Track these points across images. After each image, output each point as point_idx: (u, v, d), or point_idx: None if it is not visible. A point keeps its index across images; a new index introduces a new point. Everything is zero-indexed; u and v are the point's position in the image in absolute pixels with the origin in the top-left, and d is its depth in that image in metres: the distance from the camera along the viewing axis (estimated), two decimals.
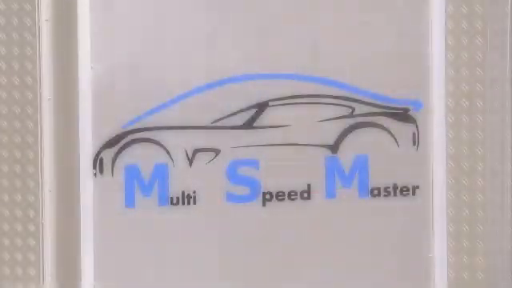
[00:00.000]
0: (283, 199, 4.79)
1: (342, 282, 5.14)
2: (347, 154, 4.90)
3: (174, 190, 4.78)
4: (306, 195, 4.80)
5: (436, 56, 5.27)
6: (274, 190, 4.77)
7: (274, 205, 4.82)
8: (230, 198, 4.74)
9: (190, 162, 4.80)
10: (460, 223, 5.48)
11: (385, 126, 5.00)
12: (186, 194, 4.77)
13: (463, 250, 5.51)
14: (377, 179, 4.88)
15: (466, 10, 5.52)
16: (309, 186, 4.84)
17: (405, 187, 4.99)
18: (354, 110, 5.05)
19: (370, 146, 4.96)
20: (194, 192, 4.78)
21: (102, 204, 4.67)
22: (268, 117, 4.86)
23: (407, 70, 5.12)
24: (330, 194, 4.81)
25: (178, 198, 4.73)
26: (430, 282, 5.23)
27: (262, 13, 5.37)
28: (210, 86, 4.82)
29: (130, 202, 4.71)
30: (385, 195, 4.91)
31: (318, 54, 5.16)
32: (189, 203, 4.80)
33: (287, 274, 5.01)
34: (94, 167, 4.68)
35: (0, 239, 6.01)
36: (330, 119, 4.98)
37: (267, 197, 4.76)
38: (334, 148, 4.98)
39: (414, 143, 4.97)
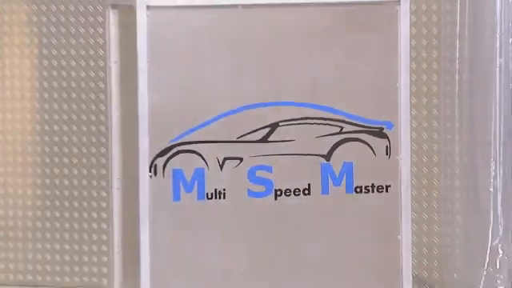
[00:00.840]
0: (290, 194, 5.05)
1: (333, 254, 5.31)
2: (337, 161, 5.16)
3: (209, 187, 5.06)
4: (306, 191, 5.04)
5: (403, 89, 5.46)
6: (283, 188, 5.05)
7: (282, 198, 5.06)
8: (251, 193, 5.03)
9: (221, 167, 5.09)
10: (421, 212, 6.52)
11: (365, 140, 5.37)
12: (217, 191, 5.07)
13: (423, 232, 6.54)
14: (359, 180, 5.10)
15: (425, 55, 6.56)
16: (309, 184, 5.06)
17: (380, 186, 5.13)
18: (342, 128, 5.37)
19: (355, 155, 5.26)
20: (224, 189, 5.08)
21: (155, 198, 4.99)
22: (278, 134, 5.08)
23: (382, 99, 5.39)
24: (325, 190, 5.06)
25: (211, 194, 5.04)
26: (399, 255, 5.36)
27: (273, 56, 5.78)
28: (235, 111, 5.11)
29: (176, 197, 5.02)
30: (365, 192, 5.13)
31: (316, 87, 5.77)
32: (219, 198, 5.05)
33: (292, 248, 5.26)
34: (150, 171, 4.94)
35: (82, 222, 7.39)
36: (325, 135, 5.34)
37: (278, 193, 5.03)
38: (327, 157, 5.35)
39: (386, 153, 5.23)
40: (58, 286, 7.46)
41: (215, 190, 4.87)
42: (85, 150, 7.39)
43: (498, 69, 6.09)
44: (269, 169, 4.89)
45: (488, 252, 6.06)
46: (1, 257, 7.66)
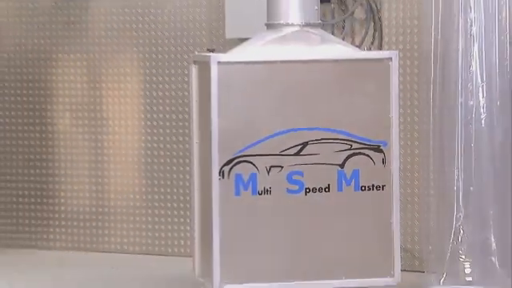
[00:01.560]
0: (315, 191, 5.84)
1: (346, 232, 6.20)
2: (348, 169, 5.92)
3: (260, 186, 5.84)
4: (327, 189, 5.84)
5: (394, 118, 5.67)
6: (310, 187, 5.84)
7: (310, 194, 5.87)
8: (288, 191, 5.83)
9: (268, 172, 5.84)
10: (406, 204, 7.24)
11: (368, 154, 5.94)
12: (265, 189, 5.83)
13: (407, 218, 7.25)
14: (363, 181, 5.92)
15: (409, 95, 7.39)
16: (328, 184, 5.85)
17: (378, 185, 5.93)
18: (351, 146, 5.84)
19: (360, 164, 5.94)
20: (270, 188, 5.83)
21: (223, 194, 5.83)
22: (308, 149, 5.86)
23: (379, 126, 5.93)
24: (340, 189, 5.87)
25: (261, 191, 5.84)
26: (391, 233, 6.04)
27: (305, 96, 5.94)
28: (278, 134, 5.86)
29: (237, 193, 5.82)
30: (368, 190, 5.93)
31: (334, 117, 6.02)
32: (267, 194, 5.83)
33: (317, 227, 6.10)
34: (219, 175, 5.78)
35: (174, 209, 8.33)
36: (340, 151, 5.91)
37: (307, 190, 5.83)
38: (341, 165, 5.93)
39: (383, 163, 5.88)
40: (160, 253, 8.36)
41: (264, 188, 5.70)
42: (175, 160, 8.41)
43: (459, 105, 6.57)
44: (301, 174, 5.73)
45: (453, 231, 6.49)
46: (120, 232, 8.64)
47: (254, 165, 5.72)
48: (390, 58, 5.90)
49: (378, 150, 5.84)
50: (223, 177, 5.68)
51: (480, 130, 6.55)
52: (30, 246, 8.94)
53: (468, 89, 6.51)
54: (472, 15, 6.56)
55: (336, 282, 5.92)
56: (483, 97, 6.56)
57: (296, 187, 5.76)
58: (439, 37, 6.67)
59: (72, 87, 9.01)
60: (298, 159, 5.77)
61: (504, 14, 6.59)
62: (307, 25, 5.99)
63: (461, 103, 6.47)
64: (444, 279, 6.34)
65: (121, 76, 8.80)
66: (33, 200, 9.18)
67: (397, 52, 6.15)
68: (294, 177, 5.77)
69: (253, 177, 5.73)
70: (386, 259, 5.98)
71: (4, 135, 9.09)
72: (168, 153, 8.48)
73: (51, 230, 9.11)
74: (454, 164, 6.46)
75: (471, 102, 6.58)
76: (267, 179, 5.73)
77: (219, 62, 5.69)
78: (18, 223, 9.21)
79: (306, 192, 5.76)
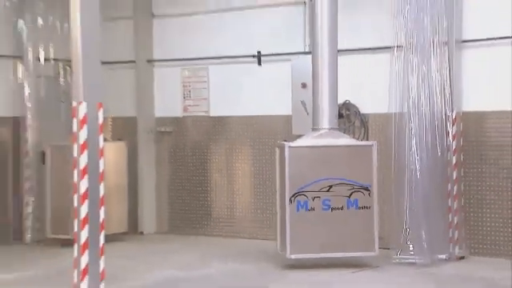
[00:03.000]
0: (336, 209, 7.31)
1: (351, 226, 7.41)
2: (353, 198, 7.31)
3: (309, 207, 7.30)
4: (341, 208, 7.33)
5: (374, 173, 7.46)
6: (334, 207, 7.30)
7: (334, 211, 7.31)
8: (323, 209, 7.27)
9: (313, 200, 7.28)
10: (381, 197, 7.63)
11: (361, 191, 7.39)
12: (312, 208, 7.31)
13: (381, 220, 7.67)
14: (360, 204, 7.32)
15: (385, 160, 7.74)
16: (342, 206, 7.33)
17: (367, 206, 7.36)
18: (353, 187, 7.40)
19: (358, 196, 7.29)
20: (314, 208, 7.29)
21: (291, 211, 7.22)
22: (333, 188, 7.32)
23: (367, 176, 7.40)
24: (348, 207, 7.35)
25: (310, 209, 7.29)
26: (373, 230, 7.44)
27: (329, 162, 7.36)
28: (316, 181, 7.33)
29: (297, 210, 7.27)
30: (361, 208, 7.33)
31: (344, 173, 7.39)
32: (313, 210, 7.30)
33: (338, 224, 7.37)
34: (289, 202, 7.20)
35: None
36: (348, 189, 7.38)
37: (332, 209, 7.28)
38: (349, 196, 7.35)
39: (369, 195, 7.33)
40: (264, 238, 9.00)
41: (311, 207, 7.35)
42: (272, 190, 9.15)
43: (406, 166, 7.73)
44: (329, 200, 7.38)
45: (403, 228, 7.64)
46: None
47: (306, 196, 7.36)
48: (372, 145, 7.62)
49: (366, 189, 7.46)
50: (291, 202, 7.34)
51: (416, 176, 7.66)
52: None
53: (410, 156, 7.72)
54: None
55: (348, 254, 7.48)
56: (418, 162, 7.68)
57: (327, 207, 7.41)
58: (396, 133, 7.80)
59: None
60: (328, 193, 7.40)
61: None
62: (332, 128, 7.65)
63: (406, 164, 7.73)
64: (399, 253, 7.65)
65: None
66: None
67: (375, 142, 7.71)
68: (326, 202, 7.40)
69: (305, 202, 7.37)
70: (370, 242, 7.49)
71: None
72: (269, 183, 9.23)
73: None
74: (404, 193, 7.68)
75: (412, 166, 7.73)
76: (312, 203, 7.37)
77: (290, 147, 7.42)
78: None
79: (331, 210, 7.41)
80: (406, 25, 7.76)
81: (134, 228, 9.95)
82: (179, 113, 10.06)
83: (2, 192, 9.55)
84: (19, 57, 9.54)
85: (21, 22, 9.53)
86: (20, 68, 9.51)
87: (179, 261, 8.14)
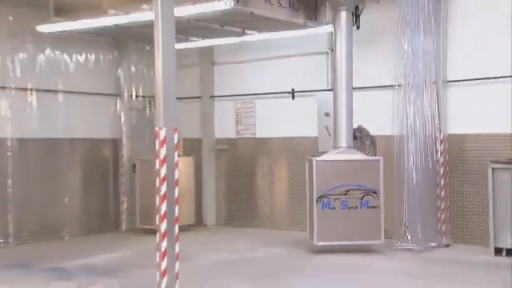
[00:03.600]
0: (351, 209, 7.27)
1: (364, 219, 7.30)
2: (364, 200, 7.28)
3: (331, 206, 7.24)
4: (356, 208, 7.30)
5: (381, 180, 7.37)
6: (350, 206, 7.27)
7: (350, 209, 7.29)
8: (342, 208, 7.27)
9: (334, 201, 7.26)
10: (386, 199, 7.50)
11: (371, 194, 7.38)
12: (333, 207, 7.29)
13: (388, 207, 7.56)
14: (370, 204, 7.31)
15: (390, 173, 7.58)
16: (356, 206, 7.31)
17: (375, 206, 7.34)
18: (366, 191, 7.34)
19: (369, 198, 7.27)
20: (334, 207, 7.25)
21: (317, 209, 7.23)
22: (349, 192, 7.30)
23: (375, 182, 7.36)
24: (361, 207, 7.33)
25: (331, 208, 7.23)
26: (380, 224, 7.39)
27: (349, 175, 7.31)
28: (337, 187, 7.26)
29: (323, 208, 7.26)
30: (372, 208, 7.33)
31: (358, 181, 7.31)
32: (334, 209, 7.28)
33: (351, 218, 7.31)
34: (316, 201, 7.22)
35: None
36: (361, 193, 7.35)
37: (349, 208, 7.24)
38: (361, 199, 7.31)
39: (377, 198, 7.33)
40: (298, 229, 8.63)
41: (332, 206, 7.34)
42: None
43: (405, 176, 7.59)
44: (346, 202, 7.38)
45: (403, 221, 7.61)
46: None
47: (328, 198, 7.40)
48: (379, 159, 7.64)
49: (375, 192, 7.47)
50: (317, 202, 7.39)
51: (413, 183, 7.60)
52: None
53: (408, 168, 7.63)
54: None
55: (360, 242, 7.43)
56: (414, 172, 7.60)
57: (344, 206, 7.42)
58: (397, 150, 7.73)
59: None
60: (345, 196, 7.43)
61: None
62: (348, 147, 7.69)
63: (405, 174, 7.64)
64: (400, 241, 7.61)
65: None
66: None
67: (382, 157, 7.70)
68: (344, 203, 7.42)
69: (328, 202, 7.40)
70: (377, 233, 7.48)
71: None
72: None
73: None
74: (403, 196, 7.61)
75: (409, 176, 7.62)
76: (333, 203, 7.40)
77: (316, 160, 7.46)
78: None
79: (348, 208, 7.42)
80: (404, 69, 7.83)
81: (199, 221, 10.06)
82: (233, 135, 10.20)
83: (104, 193, 9.79)
84: (118, 95, 9.92)
85: (119, 70, 9.93)
86: (118, 103, 9.88)
87: (233, 246, 8.24)
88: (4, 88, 8.45)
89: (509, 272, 6.24)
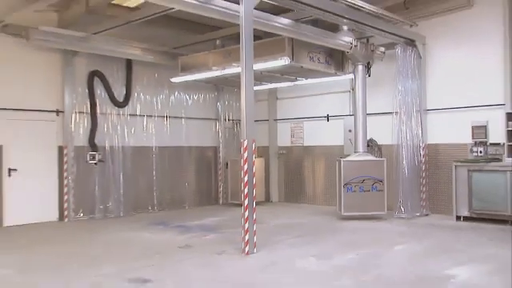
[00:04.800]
0: (366, 191, 7.03)
1: (371, 201, 7.05)
2: (374, 186, 7.07)
3: (352, 190, 7.03)
4: (368, 191, 7.10)
5: (384, 172, 7.14)
6: (365, 189, 7.07)
7: (365, 192, 7.07)
8: (359, 191, 7.11)
9: (354, 186, 6.99)
10: (388, 185, 7.33)
11: (379, 181, 7.17)
12: (353, 190, 7.08)
13: (389, 190, 7.31)
14: (378, 188, 7.13)
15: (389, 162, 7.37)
16: (369, 189, 7.08)
17: (381, 190, 7.20)
18: (375, 179, 6.97)
19: (377, 184, 7.03)
20: (354, 190, 7.00)
21: (344, 192, 7.05)
22: (364, 181, 7.15)
23: (381, 173, 7.03)
24: (372, 191, 7.13)
25: (353, 191, 7.04)
26: (384, 201, 7.19)
27: (362, 170, 7.05)
28: (356, 177, 7.08)
29: (347, 192, 7.02)
30: (378, 191, 7.19)
31: (369, 173, 7.13)
32: (354, 192, 7.11)
33: (362, 198, 7.09)
34: (343, 187, 6.97)
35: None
36: (372, 181, 7.08)
37: (364, 191, 7.04)
38: (372, 185, 7.04)
39: (382, 184, 7.16)
40: (327, 204, 8.78)
41: (354, 190, 7.19)
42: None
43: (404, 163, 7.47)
44: (362, 187, 7.25)
45: (399, 200, 7.49)
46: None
47: (351, 184, 7.28)
48: (384, 160, 7.48)
49: (381, 181, 7.35)
50: (344, 187, 7.23)
51: (405, 174, 7.51)
52: None
53: (402, 165, 7.50)
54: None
55: (371, 213, 7.21)
56: (406, 168, 7.42)
57: (361, 190, 7.29)
58: (395, 153, 7.55)
59: None
60: (362, 184, 7.30)
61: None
62: (364, 152, 7.58)
63: (400, 169, 7.45)
64: (396, 212, 7.53)
65: None
66: None
67: (385, 158, 7.56)
68: (361, 188, 7.29)
69: (351, 187, 7.28)
70: (382, 207, 7.35)
71: None
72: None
73: None
74: (399, 183, 7.54)
75: (403, 170, 7.41)
76: (354, 188, 7.27)
77: (343, 160, 7.26)
78: None
79: (364, 191, 7.28)
80: (399, 101, 7.74)
81: (268, 198, 10.01)
82: (289, 144, 10.05)
83: (209, 180, 9.86)
84: (217, 119, 10.00)
85: (218, 103, 10.04)
86: (217, 124, 9.99)
87: (289, 215, 8.14)
88: (151, 116, 8.79)
89: (462, 230, 6.27)
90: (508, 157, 6.80)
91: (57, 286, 3.94)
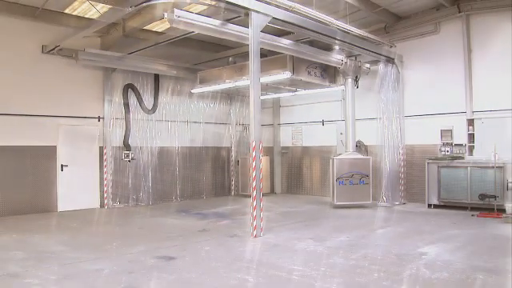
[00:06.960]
0: (355, 185, 6.90)
1: (361, 191, 6.89)
2: (361, 180, 6.91)
3: (343, 183, 6.82)
4: (357, 184, 6.98)
5: (370, 168, 6.98)
6: (354, 183, 6.94)
7: (354, 185, 6.97)
8: (349, 184, 7.00)
9: (346, 179, 6.87)
10: (373, 179, 7.34)
11: (366, 176, 7.05)
12: (344, 183, 6.89)
13: (374, 184, 7.47)
14: (364, 182, 7.04)
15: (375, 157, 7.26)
16: (357, 183, 6.95)
17: (367, 183, 7.18)
18: (363, 174, 6.73)
19: (364, 178, 6.89)
20: (345, 184, 6.76)
21: (336, 184, 6.90)
22: (353, 176, 7.02)
23: (367, 169, 6.89)
24: (360, 184, 6.97)
25: (344, 184, 6.82)
26: (369, 192, 7.01)
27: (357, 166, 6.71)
28: (347, 173, 6.97)
29: (339, 184, 6.81)
30: (365, 184, 7.14)
31: (358, 169, 6.99)
32: (345, 185, 6.89)
33: (353, 190, 6.98)
34: (335, 181, 6.79)
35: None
36: (360, 176, 6.91)
37: (353, 184, 6.90)
38: (360, 179, 6.90)
39: (368, 178, 7.05)
40: (321, 195, 8.72)
41: (345, 183, 7.15)
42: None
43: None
44: (352, 181, 7.18)
45: (382, 191, 7.56)
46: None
47: (342, 179, 7.26)
48: (370, 158, 7.51)
49: (367, 176, 7.37)
50: (336, 181, 7.20)
51: (387, 171, 7.49)
52: None
53: (385, 162, 7.41)
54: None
55: (359, 202, 7.09)
56: (388, 164, 7.32)
57: (351, 184, 7.25)
58: (379, 153, 7.50)
59: None
60: (351, 178, 7.27)
61: None
62: (353, 151, 7.56)
63: (383, 166, 7.40)
64: (380, 202, 7.59)
65: None
66: None
67: (371, 157, 7.55)
68: (351, 181, 7.25)
69: (342, 181, 7.24)
70: (368, 197, 7.37)
71: None
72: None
73: None
74: (382, 177, 7.57)
75: (385, 166, 7.31)
76: (345, 181, 7.22)
77: (336, 158, 7.31)
78: None
79: (353, 184, 7.23)
80: (382, 108, 7.78)
81: (272, 190, 10.06)
82: (290, 144, 10.02)
83: (223, 175, 9.80)
84: (229, 123, 9.98)
85: (230, 110, 10.00)
86: (229, 127, 9.97)
87: (290, 204, 8.15)
88: (174, 121, 8.75)
89: (432, 216, 6.24)
90: (468, 155, 6.95)
91: (101, 260, 4.09)
